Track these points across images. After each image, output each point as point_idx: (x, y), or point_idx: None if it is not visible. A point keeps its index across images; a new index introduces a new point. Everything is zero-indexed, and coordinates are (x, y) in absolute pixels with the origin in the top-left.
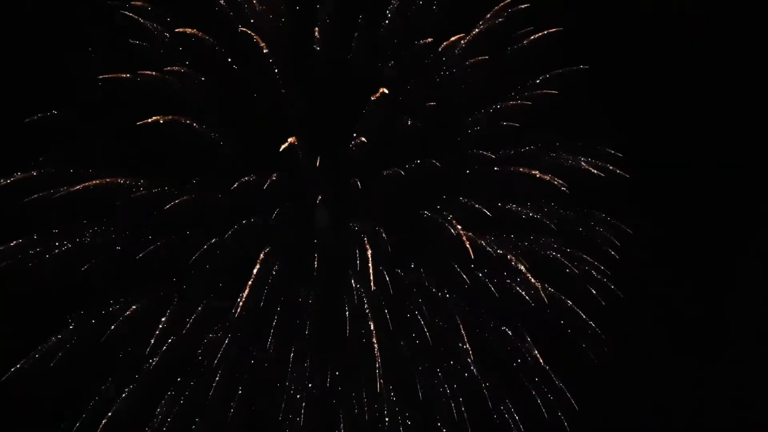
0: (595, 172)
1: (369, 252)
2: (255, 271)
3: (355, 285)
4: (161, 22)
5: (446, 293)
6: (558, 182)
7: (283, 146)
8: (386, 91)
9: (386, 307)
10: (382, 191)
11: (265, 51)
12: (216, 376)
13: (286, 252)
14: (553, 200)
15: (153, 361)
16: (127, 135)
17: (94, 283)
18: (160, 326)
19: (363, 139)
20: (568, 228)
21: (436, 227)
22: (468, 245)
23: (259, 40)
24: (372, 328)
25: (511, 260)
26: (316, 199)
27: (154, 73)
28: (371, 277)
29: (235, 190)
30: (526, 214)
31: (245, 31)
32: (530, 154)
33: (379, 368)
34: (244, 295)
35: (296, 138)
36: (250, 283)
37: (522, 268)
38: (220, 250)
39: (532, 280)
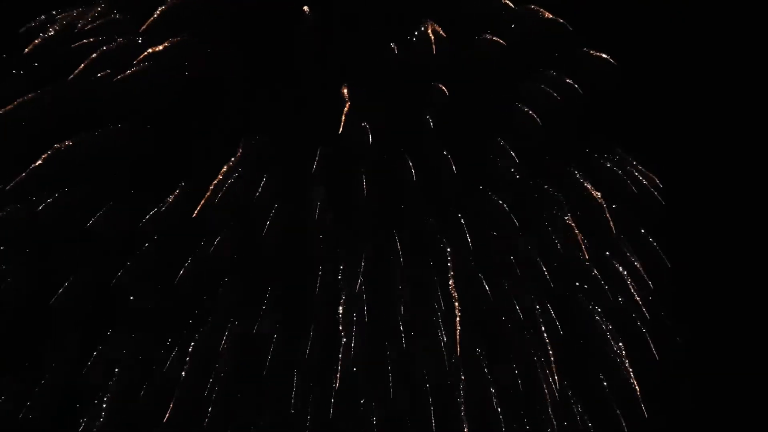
0: (630, 185)
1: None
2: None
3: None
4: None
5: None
6: (595, 194)
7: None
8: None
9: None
10: (388, 194)
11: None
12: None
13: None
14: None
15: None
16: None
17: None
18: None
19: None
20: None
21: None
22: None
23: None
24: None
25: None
26: (315, 205)
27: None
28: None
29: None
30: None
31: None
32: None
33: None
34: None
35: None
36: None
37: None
38: (207, 269)
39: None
